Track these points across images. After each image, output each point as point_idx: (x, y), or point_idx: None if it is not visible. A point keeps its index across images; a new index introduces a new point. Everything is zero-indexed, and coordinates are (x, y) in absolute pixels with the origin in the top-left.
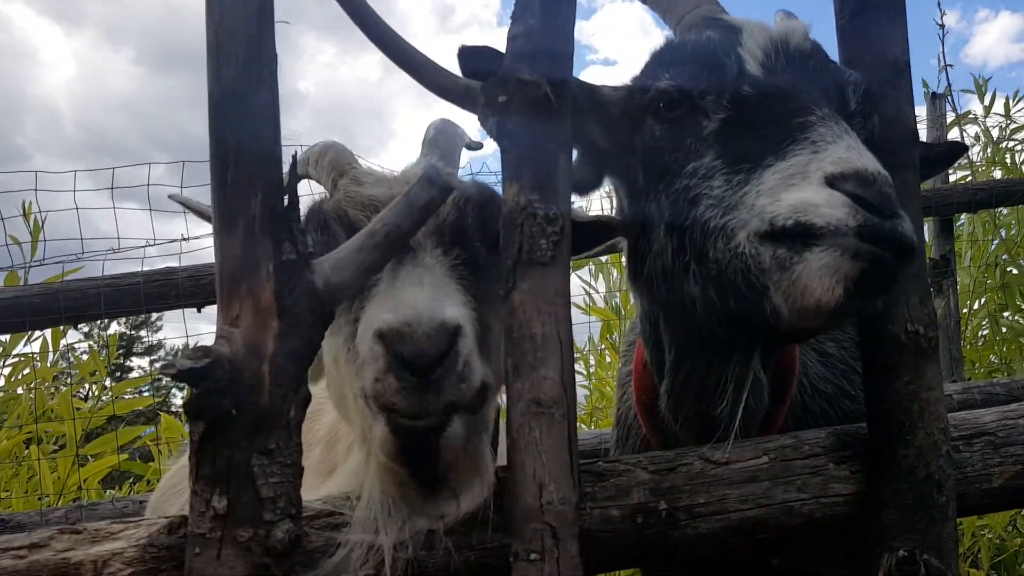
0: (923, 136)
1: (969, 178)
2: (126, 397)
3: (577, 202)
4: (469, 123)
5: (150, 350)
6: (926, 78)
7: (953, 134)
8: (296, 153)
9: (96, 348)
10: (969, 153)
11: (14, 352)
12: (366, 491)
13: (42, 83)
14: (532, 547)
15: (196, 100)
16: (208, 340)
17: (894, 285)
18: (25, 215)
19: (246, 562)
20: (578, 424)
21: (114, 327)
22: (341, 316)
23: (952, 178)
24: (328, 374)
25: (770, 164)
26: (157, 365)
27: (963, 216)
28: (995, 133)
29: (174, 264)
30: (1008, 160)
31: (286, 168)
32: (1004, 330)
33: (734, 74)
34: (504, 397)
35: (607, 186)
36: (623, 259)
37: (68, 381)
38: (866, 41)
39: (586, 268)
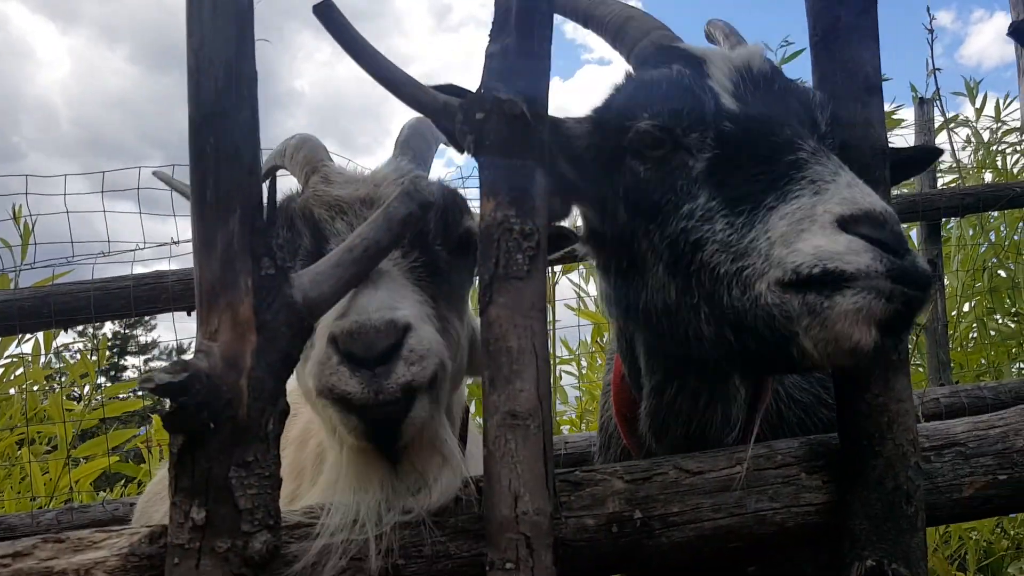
0: (911, 141)
1: (958, 182)
2: (120, 398)
3: None
4: None
5: (144, 349)
6: (920, 82)
7: (941, 138)
8: (274, 170)
9: (86, 350)
10: (957, 157)
11: (6, 353)
12: (340, 479)
13: (38, 81)
14: (507, 556)
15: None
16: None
17: (915, 321)
18: (15, 218)
19: (224, 572)
20: (568, 427)
21: (108, 326)
22: None
23: (941, 182)
24: (297, 372)
25: (773, 206)
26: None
27: (953, 220)
28: (986, 136)
29: (165, 265)
30: (999, 163)
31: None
32: (992, 334)
33: (712, 110)
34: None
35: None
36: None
37: (60, 383)
38: (838, 60)
39: (577, 271)
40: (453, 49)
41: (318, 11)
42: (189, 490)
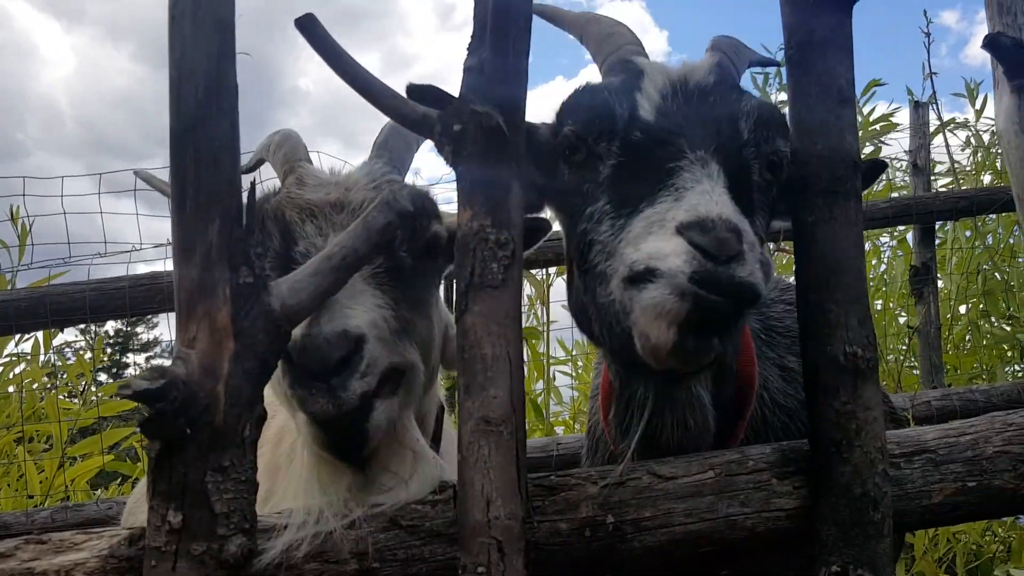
0: (905, 145)
1: (952, 185)
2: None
3: None
4: None
5: (146, 347)
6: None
7: (937, 141)
8: (254, 181)
9: (83, 351)
10: (954, 159)
11: (6, 352)
12: (310, 479)
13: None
14: (479, 560)
15: None
16: None
17: (730, 327)
18: (13, 219)
19: (200, 575)
20: (562, 428)
21: (111, 324)
22: None
23: (939, 184)
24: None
25: (642, 211)
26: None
27: (949, 223)
28: (987, 138)
29: (167, 265)
30: (998, 164)
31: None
32: (986, 337)
33: (625, 120)
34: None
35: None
36: None
37: (57, 381)
38: (812, 73)
39: None
40: (456, 48)
41: (300, 24)
42: (166, 494)
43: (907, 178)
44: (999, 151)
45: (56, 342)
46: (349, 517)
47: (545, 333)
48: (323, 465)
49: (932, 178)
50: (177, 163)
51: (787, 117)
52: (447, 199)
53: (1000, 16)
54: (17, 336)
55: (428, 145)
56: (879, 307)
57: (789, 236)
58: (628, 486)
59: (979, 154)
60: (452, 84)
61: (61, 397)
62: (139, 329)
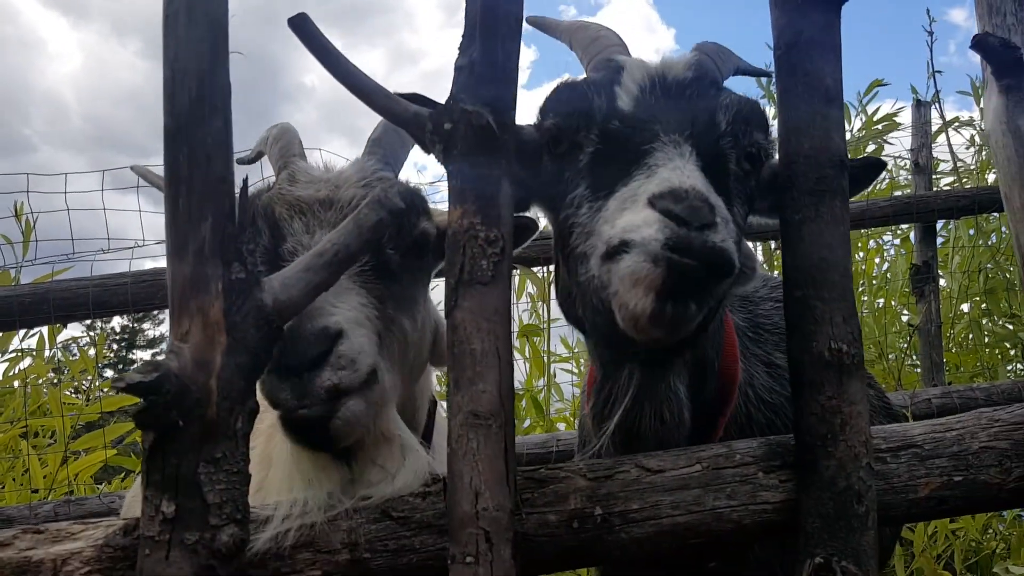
0: (904, 144)
1: (955, 184)
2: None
3: None
4: None
5: (152, 343)
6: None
7: (940, 140)
8: (246, 179)
9: (85, 346)
10: (957, 158)
11: (11, 347)
12: (294, 474)
13: (49, 75)
14: (467, 550)
15: None
16: None
17: (706, 293)
18: (17, 215)
19: (193, 564)
20: (564, 424)
21: (117, 320)
22: None
23: (943, 183)
24: None
25: (617, 191)
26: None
27: (953, 222)
28: None
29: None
30: None
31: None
32: (988, 336)
33: (604, 111)
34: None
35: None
36: None
37: (60, 377)
38: (799, 73)
39: None
40: None
41: (293, 23)
42: (160, 485)
43: (910, 177)
44: None
45: (62, 338)
46: (335, 510)
47: (546, 330)
48: (304, 457)
49: (935, 177)
50: (170, 161)
51: (776, 116)
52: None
53: (989, 16)
54: (22, 332)
55: None
56: (880, 305)
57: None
58: (616, 479)
59: (983, 153)
60: None
61: (66, 392)
62: (145, 326)
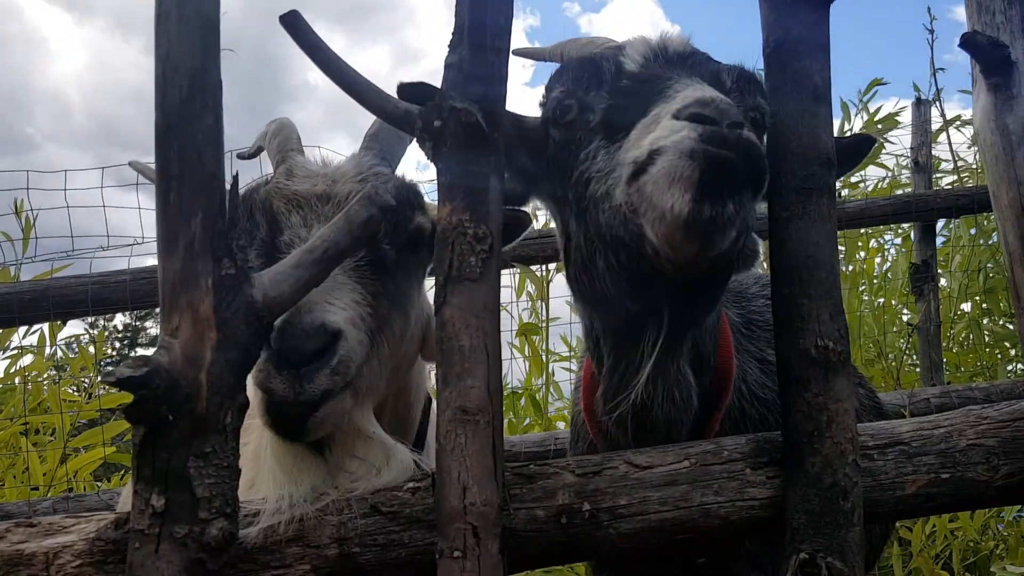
0: (906, 143)
1: (956, 183)
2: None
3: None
4: None
5: (154, 341)
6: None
7: (941, 139)
8: (236, 175)
9: (85, 343)
10: (957, 157)
11: (12, 345)
12: (274, 468)
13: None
14: (455, 545)
15: None
16: None
17: (743, 190)
18: (17, 212)
19: (182, 557)
20: (561, 423)
21: (119, 318)
22: None
23: (944, 182)
24: None
25: (637, 125)
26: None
27: (953, 221)
28: None
29: None
30: None
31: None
32: (987, 335)
33: (612, 72)
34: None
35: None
36: None
37: (61, 374)
38: (788, 71)
39: None
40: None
41: (284, 21)
42: (150, 479)
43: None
44: None
45: (65, 335)
46: (322, 500)
47: (545, 329)
48: (282, 450)
49: (937, 176)
50: (162, 157)
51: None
52: None
53: (979, 15)
54: (24, 329)
55: None
56: (880, 305)
57: None
58: (604, 475)
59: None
60: None
61: (68, 390)
62: (148, 323)
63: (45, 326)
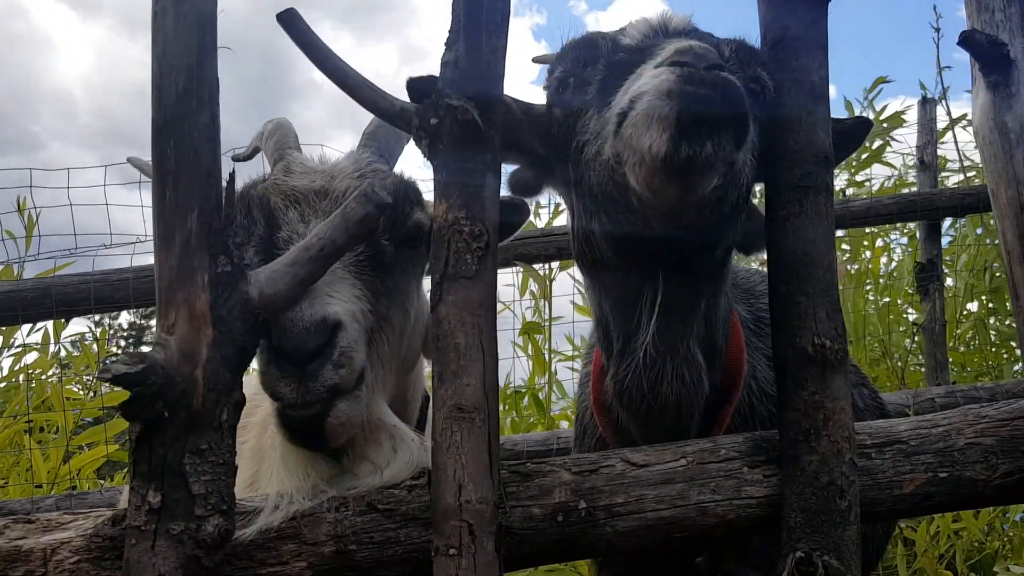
0: (913, 141)
1: (962, 182)
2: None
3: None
4: None
5: None
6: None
7: (947, 138)
8: (233, 172)
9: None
10: (963, 155)
11: (16, 343)
12: (285, 467)
13: (58, 71)
14: (451, 543)
15: None
16: None
17: (722, 127)
18: (20, 210)
19: (178, 554)
20: (564, 422)
21: (124, 316)
22: None
23: (951, 181)
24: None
25: (624, 85)
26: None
27: (961, 220)
28: None
29: None
30: None
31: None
32: (993, 335)
33: (609, 47)
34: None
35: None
36: None
37: (64, 372)
38: (786, 69)
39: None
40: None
41: (281, 19)
42: (146, 475)
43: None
44: None
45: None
46: (319, 498)
47: (547, 328)
48: (293, 452)
49: (944, 175)
50: (158, 154)
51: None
52: None
53: (979, 13)
54: (28, 326)
55: None
56: (886, 303)
57: None
58: (601, 473)
59: None
60: None
61: (72, 388)
62: (153, 322)
63: (49, 324)
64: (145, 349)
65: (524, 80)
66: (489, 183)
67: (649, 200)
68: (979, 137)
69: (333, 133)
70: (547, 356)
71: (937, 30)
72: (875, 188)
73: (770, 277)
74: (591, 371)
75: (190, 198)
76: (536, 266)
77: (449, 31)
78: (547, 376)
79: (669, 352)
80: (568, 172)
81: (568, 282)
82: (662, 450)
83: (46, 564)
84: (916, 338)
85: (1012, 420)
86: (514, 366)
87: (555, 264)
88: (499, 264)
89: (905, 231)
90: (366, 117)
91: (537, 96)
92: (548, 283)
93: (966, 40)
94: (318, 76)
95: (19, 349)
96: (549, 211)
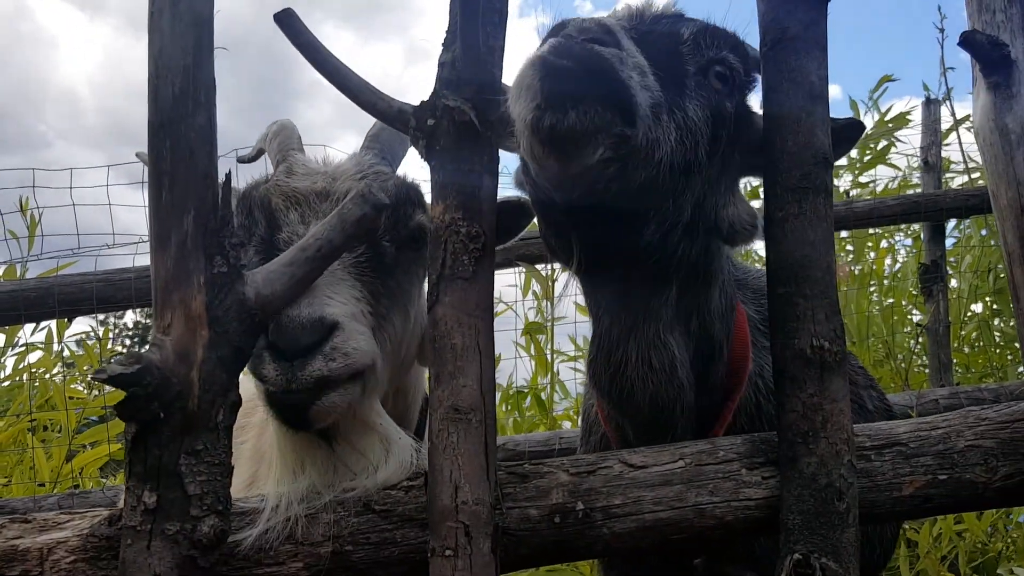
0: (916, 142)
1: (966, 184)
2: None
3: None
4: None
5: None
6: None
7: (951, 139)
8: (229, 173)
9: (93, 342)
10: (968, 156)
11: (19, 342)
12: (280, 461)
13: (64, 70)
14: (447, 544)
15: (218, 89)
16: None
17: (586, 98)
18: (22, 210)
19: (174, 554)
20: (566, 422)
21: (130, 315)
22: None
23: (956, 182)
24: None
25: None
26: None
27: (966, 221)
28: None
29: None
30: None
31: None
32: (997, 336)
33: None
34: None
35: None
36: None
37: (66, 372)
38: (784, 70)
39: None
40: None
41: (278, 19)
42: (141, 475)
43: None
44: None
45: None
46: (316, 503)
47: (550, 328)
48: (290, 444)
49: (948, 176)
50: (154, 155)
51: (761, 112)
52: None
53: (980, 13)
54: (31, 326)
55: None
56: (890, 305)
57: None
58: (599, 474)
59: None
60: None
61: (76, 387)
62: None
63: (52, 323)
64: (142, 350)
65: None
66: (486, 184)
67: (536, 168)
68: (980, 138)
69: (338, 133)
70: (549, 356)
71: (941, 30)
72: (879, 189)
73: (769, 278)
74: None
75: (186, 199)
76: (539, 267)
77: (446, 31)
78: (549, 376)
79: (631, 335)
80: None
81: (571, 282)
82: (660, 451)
83: (42, 564)
84: (920, 339)
85: (1012, 422)
86: (516, 366)
87: (558, 264)
88: (501, 264)
89: (909, 232)
90: (370, 118)
91: None
92: (551, 283)
93: (967, 41)
94: (322, 76)
95: (22, 348)
96: None
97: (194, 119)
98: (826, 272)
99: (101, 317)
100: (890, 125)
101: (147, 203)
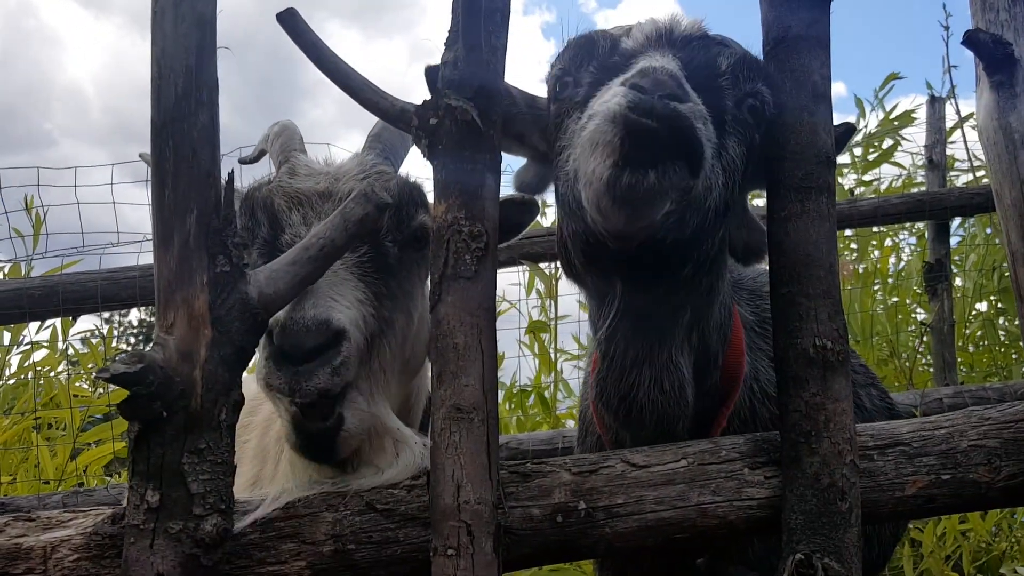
0: (921, 140)
1: (971, 182)
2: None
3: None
4: None
5: None
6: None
7: (955, 137)
8: (231, 172)
9: (98, 341)
10: (972, 155)
11: (25, 340)
12: (285, 470)
13: (69, 69)
14: (449, 543)
15: (223, 88)
16: None
17: (668, 159)
18: (27, 209)
19: (177, 552)
20: (570, 421)
21: (135, 313)
22: None
23: (961, 181)
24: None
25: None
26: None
27: (970, 220)
28: None
29: None
30: None
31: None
32: (1002, 335)
33: (606, 49)
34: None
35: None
36: None
37: (70, 370)
38: (787, 69)
39: None
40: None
41: (281, 19)
42: (144, 474)
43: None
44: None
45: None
46: (314, 490)
47: (554, 327)
48: (301, 463)
49: (952, 175)
50: (157, 155)
51: None
52: None
53: (983, 12)
54: (36, 324)
55: None
56: (894, 303)
57: None
58: (601, 473)
59: None
60: None
61: (81, 385)
62: None
63: (57, 321)
64: (145, 349)
65: (534, 78)
66: (488, 183)
67: (598, 221)
68: (983, 137)
69: (342, 132)
70: (553, 355)
71: (946, 28)
72: (883, 187)
73: (771, 278)
74: (591, 369)
75: (189, 199)
76: (542, 265)
77: (449, 31)
78: (553, 375)
79: (646, 360)
80: (555, 173)
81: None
82: (662, 451)
83: (46, 562)
84: (924, 338)
85: (1016, 422)
86: (520, 365)
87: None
88: (505, 263)
89: (914, 231)
90: (374, 116)
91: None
92: (554, 282)
93: (970, 40)
94: (325, 75)
95: (27, 347)
96: (555, 210)
97: (197, 119)
98: (829, 271)
99: (106, 315)
100: (895, 123)
101: (151, 202)
